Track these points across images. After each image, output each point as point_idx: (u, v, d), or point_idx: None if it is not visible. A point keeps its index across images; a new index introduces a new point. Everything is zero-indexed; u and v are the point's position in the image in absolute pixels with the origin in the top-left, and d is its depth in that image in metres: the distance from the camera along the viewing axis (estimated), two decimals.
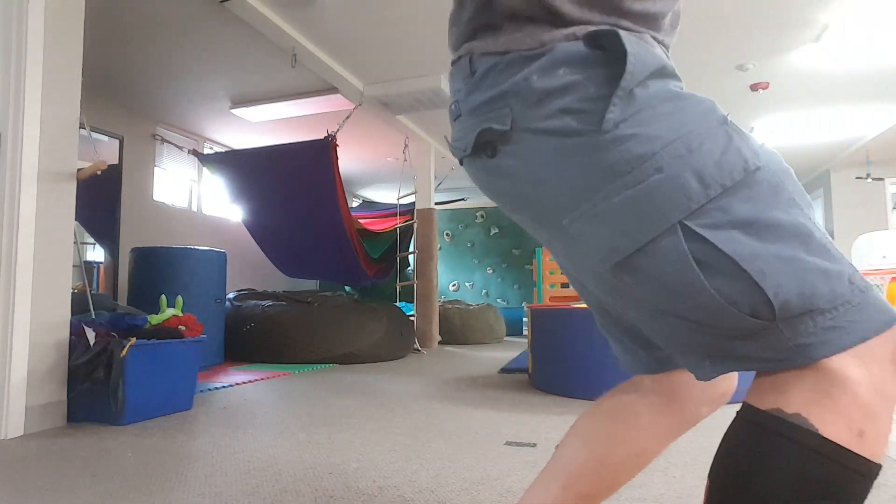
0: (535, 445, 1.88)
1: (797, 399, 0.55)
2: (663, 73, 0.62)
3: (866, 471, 0.53)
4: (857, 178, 7.30)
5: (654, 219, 0.57)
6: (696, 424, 0.80)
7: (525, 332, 8.26)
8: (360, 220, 5.77)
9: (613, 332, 0.82)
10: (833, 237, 7.61)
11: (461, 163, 0.75)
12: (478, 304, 7.02)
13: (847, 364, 0.54)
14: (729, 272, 0.55)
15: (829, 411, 0.54)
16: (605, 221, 0.61)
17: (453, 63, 0.75)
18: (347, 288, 7.62)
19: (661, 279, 0.59)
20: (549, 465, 0.82)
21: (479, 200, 10.10)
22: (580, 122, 0.61)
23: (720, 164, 0.57)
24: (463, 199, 8.97)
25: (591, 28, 0.63)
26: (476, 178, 0.74)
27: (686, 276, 0.57)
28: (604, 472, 0.79)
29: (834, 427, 0.53)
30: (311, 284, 7.97)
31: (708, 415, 0.80)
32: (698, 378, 0.65)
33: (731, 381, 0.81)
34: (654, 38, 0.67)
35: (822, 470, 0.53)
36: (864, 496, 0.54)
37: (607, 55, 0.61)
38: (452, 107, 0.75)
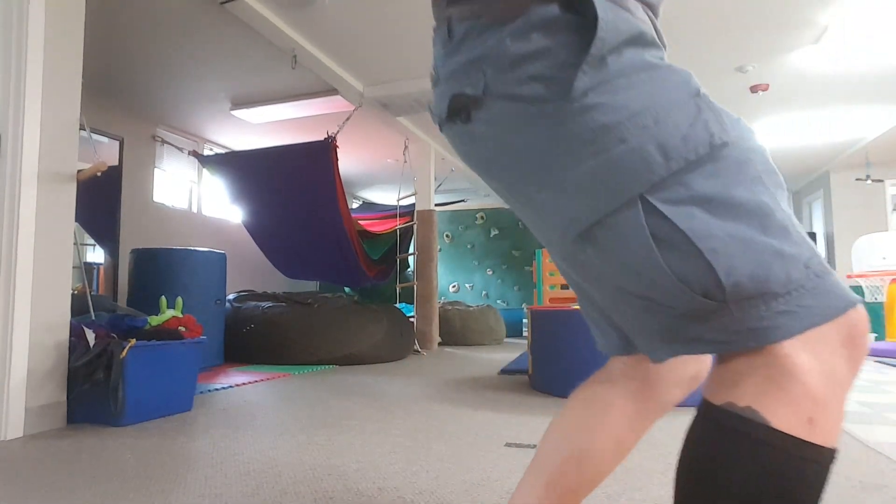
0: (535, 447, 1.88)
1: (749, 391, 0.55)
2: (640, 40, 0.61)
3: (819, 458, 0.53)
4: (856, 179, 7.30)
5: (616, 191, 0.57)
6: (670, 409, 0.80)
7: (525, 334, 8.25)
8: (360, 222, 5.77)
9: (589, 313, 0.81)
10: (833, 239, 7.60)
11: (440, 129, 0.75)
12: (478, 306, 7.02)
13: (797, 350, 0.54)
14: (683, 249, 0.55)
15: (779, 402, 0.54)
16: (569, 191, 0.60)
17: (434, 30, 0.74)
18: (347, 289, 7.61)
19: (619, 254, 0.59)
20: (531, 464, 0.81)
21: (479, 202, 10.11)
22: (549, 89, 0.60)
23: (686, 138, 0.56)
24: (463, 201, 8.96)
25: None
26: (452, 144, 0.73)
27: (642, 252, 0.57)
28: (585, 464, 0.77)
29: (785, 418, 0.53)
30: (311, 286, 7.97)
31: (681, 398, 0.79)
32: (652, 361, 0.64)
33: (702, 363, 0.80)
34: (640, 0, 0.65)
35: (776, 461, 0.53)
36: (823, 481, 0.54)
37: (580, 20, 0.59)
38: (432, 73, 0.75)
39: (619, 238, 0.58)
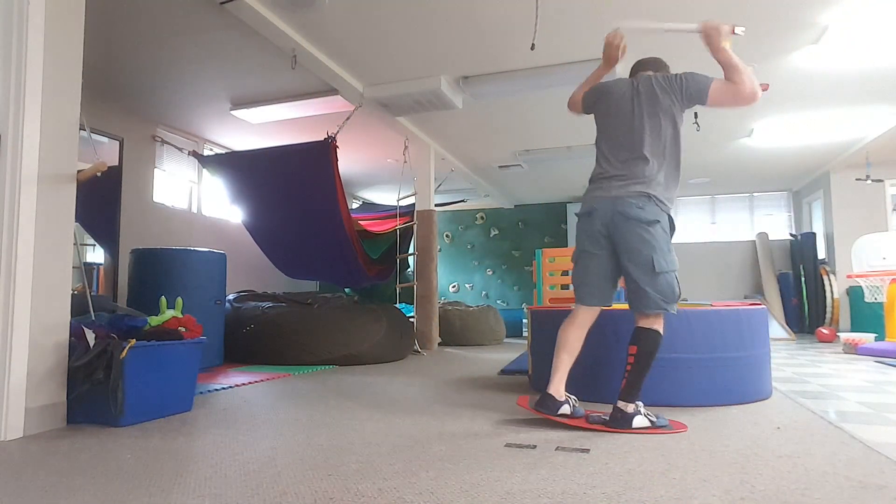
0: (534, 447, 1.88)
1: (655, 323, 2.17)
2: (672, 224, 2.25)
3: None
4: (856, 179, 7.30)
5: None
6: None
7: (525, 334, 8.25)
8: (359, 222, 5.76)
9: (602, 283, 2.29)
10: (833, 239, 7.61)
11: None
12: (478, 306, 7.02)
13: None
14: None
15: (659, 325, 2.17)
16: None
17: None
18: (347, 290, 7.61)
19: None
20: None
21: (479, 202, 10.10)
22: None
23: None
24: (463, 201, 8.94)
25: None
26: None
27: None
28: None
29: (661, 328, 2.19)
30: (310, 286, 7.97)
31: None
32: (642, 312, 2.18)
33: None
34: None
35: (658, 340, 2.17)
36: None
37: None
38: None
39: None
